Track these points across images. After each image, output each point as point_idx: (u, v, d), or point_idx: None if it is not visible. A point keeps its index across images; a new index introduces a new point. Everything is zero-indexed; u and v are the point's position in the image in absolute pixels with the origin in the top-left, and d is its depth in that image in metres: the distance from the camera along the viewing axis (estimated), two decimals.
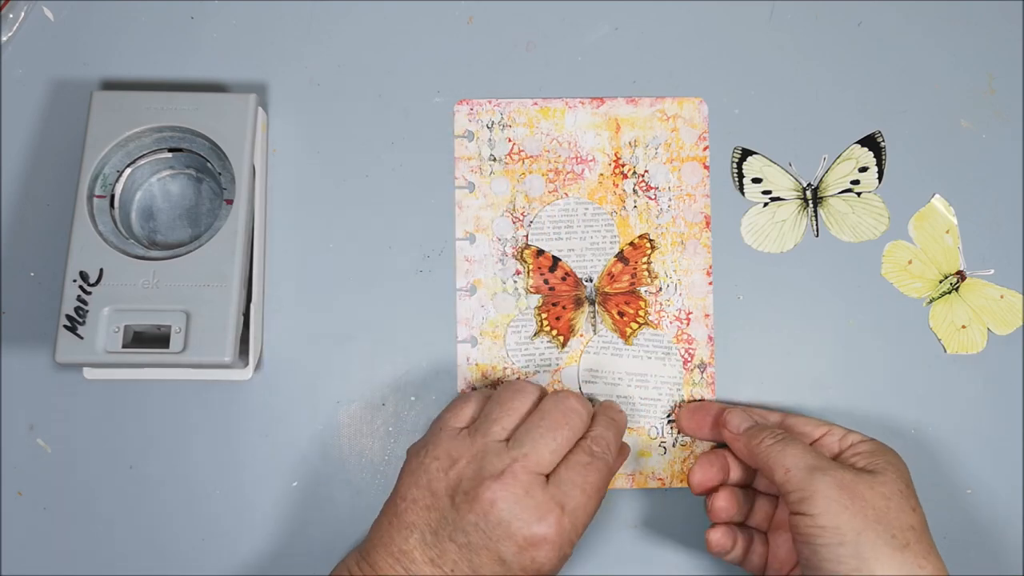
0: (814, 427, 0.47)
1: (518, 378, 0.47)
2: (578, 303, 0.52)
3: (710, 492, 0.47)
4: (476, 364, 0.51)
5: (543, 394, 0.46)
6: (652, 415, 0.51)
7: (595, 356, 0.51)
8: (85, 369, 0.49)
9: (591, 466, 0.43)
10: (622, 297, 0.51)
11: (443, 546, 0.41)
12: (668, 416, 0.51)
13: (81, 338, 0.44)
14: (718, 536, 0.46)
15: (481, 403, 0.46)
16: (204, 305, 0.45)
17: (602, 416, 0.46)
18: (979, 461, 0.51)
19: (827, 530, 0.41)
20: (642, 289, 0.52)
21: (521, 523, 0.41)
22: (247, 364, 0.49)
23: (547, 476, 0.43)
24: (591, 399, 0.51)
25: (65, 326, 0.44)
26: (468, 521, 0.41)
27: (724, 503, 0.46)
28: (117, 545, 0.49)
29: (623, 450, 0.48)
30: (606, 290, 0.52)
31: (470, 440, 0.43)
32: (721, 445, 0.50)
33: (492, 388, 0.50)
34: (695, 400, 0.51)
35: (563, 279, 0.52)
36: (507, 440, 0.43)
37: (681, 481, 0.51)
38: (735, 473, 0.48)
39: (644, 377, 0.51)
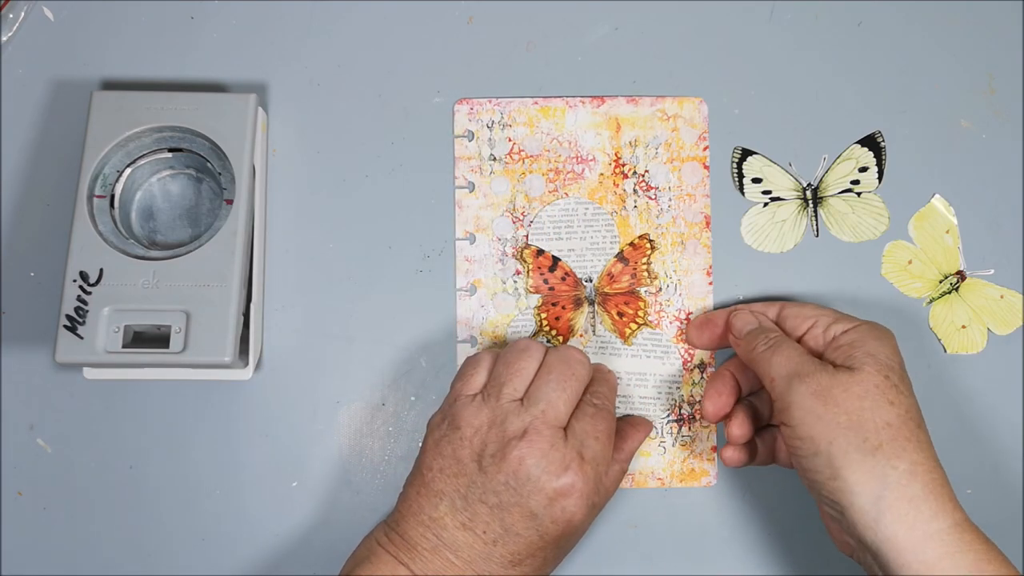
0: (803, 319, 0.47)
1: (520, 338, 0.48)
2: (577, 303, 0.51)
3: (725, 418, 0.48)
4: None
5: (546, 350, 0.47)
6: (652, 414, 0.51)
7: (593, 356, 0.51)
8: (85, 369, 0.49)
9: (598, 415, 0.45)
10: (622, 298, 0.51)
11: (474, 509, 0.43)
12: (668, 416, 0.51)
13: (81, 338, 0.44)
14: (730, 453, 0.48)
15: (489, 366, 0.46)
16: (204, 305, 0.45)
17: (595, 373, 0.48)
18: (979, 461, 0.51)
19: (804, 441, 0.42)
20: (642, 290, 0.52)
21: (549, 476, 0.42)
22: (247, 364, 0.49)
23: (564, 429, 0.44)
24: None
25: (65, 326, 0.44)
26: (498, 481, 0.42)
27: (739, 430, 0.47)
28: (117, 545, 0.49)
29: (645, 423, 0.50)
30: (606, 290, 0.52)
31: (487, 405, 0.44)
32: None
33: (499, 347, 0.50)
34: (704, 313, 0.51)
35: (563, 279, 0.52)
36: (521, 400, 0.44)
37: (681, 481, 0.51)
38: (745, 385, 0.49)
39: (643, 376, 0.51)
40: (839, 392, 0.42)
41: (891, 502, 0.40)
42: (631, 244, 0.52)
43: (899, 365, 0.43)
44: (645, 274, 0.52)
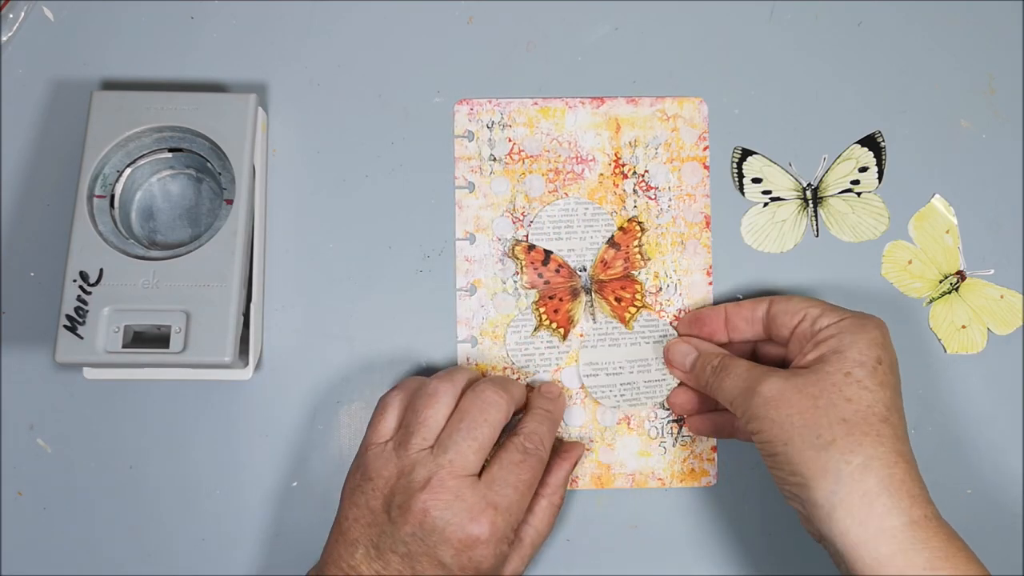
0: (792, 314, 0.46)
1: (437, 376, 0.47)
2: (575, 293, 0.52)
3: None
4: (476, 364, 0.51)
5: (466, 386, 0.46)
6: (659, 394, 0.51)
7: (592, 349, 0.51)
8: (85, 369, 0.49)
9: (524, 464, 0.45)
10: (618, 283, 0.51)
11: (386, 558, 0.43)
12: (669, 416, 0.51)
13: (81, 338, 0.44)
14: (676, 399, 0.50)
15: (400, 411, 0.46)
16: (204, 305, 0.45)
17: (536, 409, 0.48)
18: (979, 461, 0.51)
19: (764, 444, 0.43)
20: (637, 273, 0.52)
21: (455, 527, 0.42)
22: (247, 364, 0.49)
23: (479, 474, 0.44)
24: (530, 385, 0.51)
25: (65, 326, 0.44)
26: (405, 532, 0.42)
27: (682, 399, 0.50)
28: (117, 545, 0.49)
29: (574, 448, 0.49)
30: (600, 277, 0.52)
31: (395, 454, 0.44)
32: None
33: (422, 376, 0.49)
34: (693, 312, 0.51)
35: (557, 271, 0.52)
36: (432, 447, 0.44)
37: (681, 481, 0.51)
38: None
39: (645, 362, 0.51)
40: (793, 394, 0.42)
41: (843, 497, 0.40)
42: (620, 229, 0.52)
43: (872, 359, 0.43)
44: (638, 256, 0.52)
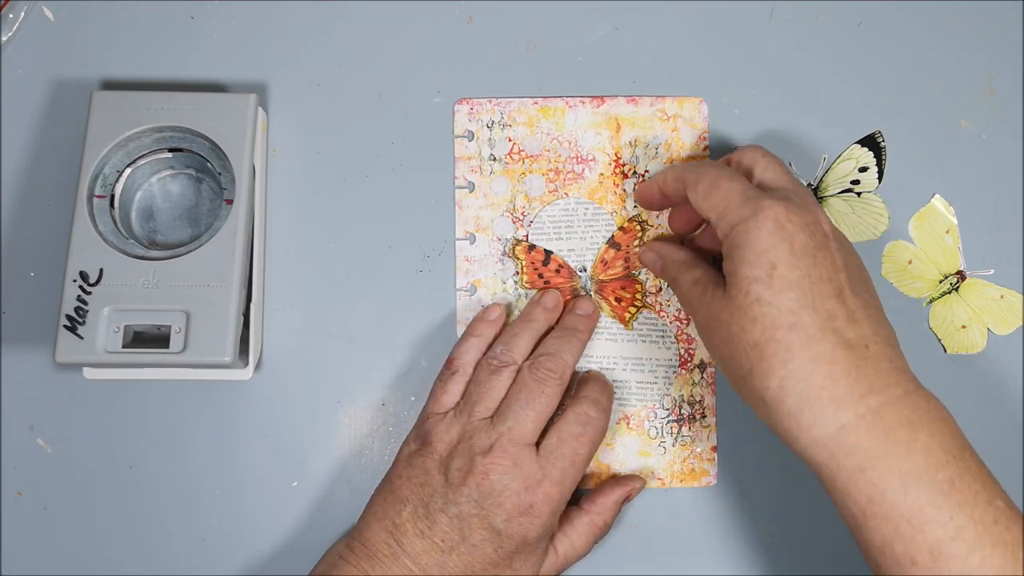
0: (708, 211, 0.43)
1: (500, 351, 0.48)
2: (575, 294, 0.52)
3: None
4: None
5: (520, 367, 0.47)
6: (649, 398, 0.51)
7: (590, 342, 0.51)
8: (85, 369, 0.49)
9: (583, 438, 0.45)
10: (618, 283, 0.51)
11: (434, 518, 0.43)
12: (669, 416, 0.51)
13: (81, 338, 0.44)
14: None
15: (462, 385, 0.47)
16: (204, 305, 0.45)
17: (594, 380, 0.48)
18: None
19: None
20: (637, 272, 0.52)
21: (511, 492, 0.43)
22: (247, 364, 0.49)
23: (537, 444, 0.45)
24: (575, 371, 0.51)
25: (65, 326, 0.44)
26: (461, 494, 0.43)
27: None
28: (117, 545, 0.49)
29: (633, 480, 0.49)
30: (600, 278, 0.52)
31: (457, 422, 0.45)
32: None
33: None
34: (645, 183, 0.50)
35: (557, 271, 0.52)
36: (492, 417, 0.45)
37: (681, 481, 0.51)
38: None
39: (640, 361, 0.51)
40: (714, 324, 0.42)
41: (775, 421, 0.40)
42: (621, 229, 0.52)
43: (766, 267, 0.39)
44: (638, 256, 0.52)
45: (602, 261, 0.52)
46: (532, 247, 0.52)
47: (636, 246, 0.52)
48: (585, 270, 0.52)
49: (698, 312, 0.43)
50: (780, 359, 0.39)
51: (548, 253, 0.52)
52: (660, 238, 0.51)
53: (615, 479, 0.49)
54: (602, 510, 0.48)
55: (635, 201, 0.51)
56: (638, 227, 0.52)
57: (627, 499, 0.49)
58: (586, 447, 0.45)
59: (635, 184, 0.51)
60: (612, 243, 0.52)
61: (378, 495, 0.46)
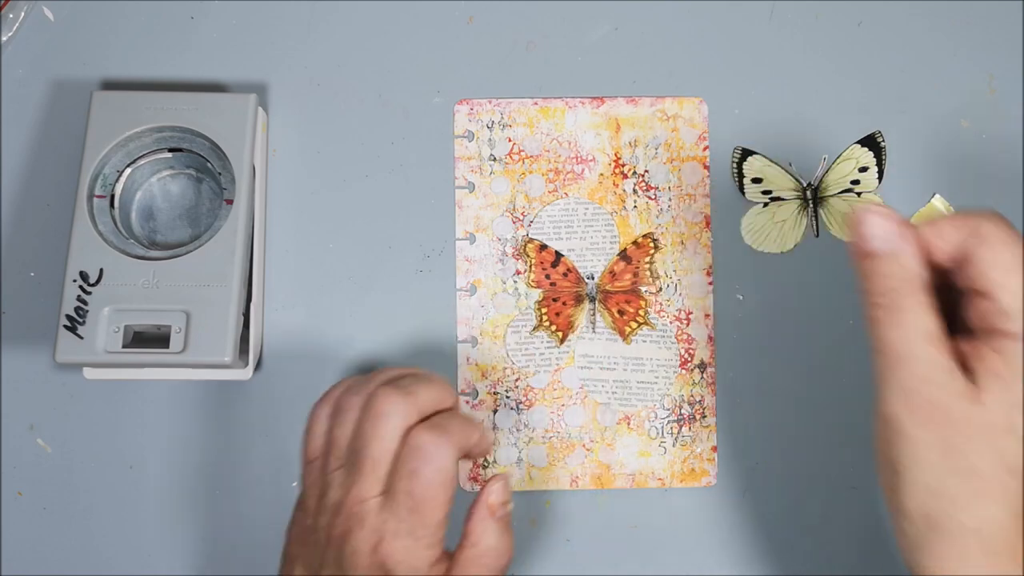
0: (986, 280, 0.35)
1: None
2: (578, 300, 0.52)
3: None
4: (476, 364, 0.51)
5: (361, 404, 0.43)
6: (650, 398, 0.51)
7: (590, 342, 0.51)
8: (85, 369, 0.49)
9: (423, 471, 0.41)
10: (623, 296, 0.51)
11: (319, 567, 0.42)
12: (669, 416, 0.51)
13: (81, 338, 0.44)
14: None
15: (326, 427, 0.44)
16: (204, 305, 0.45)
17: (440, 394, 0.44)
18: None
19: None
20: (643, 289, 0.52)
21: (362, 555, 0.40)
22: (247, 364, 0.49)
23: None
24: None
25: (65, 326, 0.44)
26: (328, 556, 0.41)
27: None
28: (117, 545, 0.49)
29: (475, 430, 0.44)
30: (607, 288, 0.52)
31: (321, 475, 0.43)
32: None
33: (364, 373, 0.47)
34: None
35: (565, 275, 0.52)
36: (343, 467, 0.42)
37: (681, 481, 0.51)
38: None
39: (640, 361, 0.51)
40: (960, 434, 0.33)
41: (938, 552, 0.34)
42: (634, 243, 0.52)
43: None
44: (648, 273, 0.52)
45: (611, 272, 0.52)
46: (544, 247, 0.52)
47: (647, 262, 0.52)
48: (593, 278, 0.52)
49: (914, 376, 0.34)
50: (996, 498, 0.33)
51: (559, 255, 0.52)
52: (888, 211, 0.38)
53: (480, 491, 0.43)
54: (476, 539, 0.42)
55: (850, 232, 0.39)
56: (652, 244, 0.52)
57: (492, 510, 0.42)
58: (431, 479, 0.40)
59: (832, 209, 0.41)
60: (624, 256, 0.52)
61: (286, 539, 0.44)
